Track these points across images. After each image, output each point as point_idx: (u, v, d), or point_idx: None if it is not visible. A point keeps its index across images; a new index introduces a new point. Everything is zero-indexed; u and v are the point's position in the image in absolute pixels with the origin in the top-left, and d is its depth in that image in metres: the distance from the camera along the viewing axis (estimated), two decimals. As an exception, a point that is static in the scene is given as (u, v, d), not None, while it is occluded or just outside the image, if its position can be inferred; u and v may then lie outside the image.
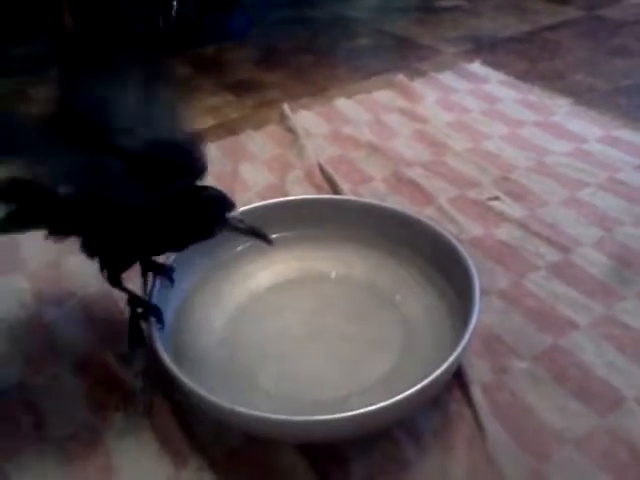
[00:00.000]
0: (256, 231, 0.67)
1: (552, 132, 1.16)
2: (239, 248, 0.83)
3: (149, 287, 0.72)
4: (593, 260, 0.85)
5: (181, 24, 1.70)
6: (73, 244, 0.91)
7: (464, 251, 0.73)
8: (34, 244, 0.93)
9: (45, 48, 1.68)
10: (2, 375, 0.73)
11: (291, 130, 1.21)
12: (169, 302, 0.73)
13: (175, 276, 0.74)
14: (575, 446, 0.61)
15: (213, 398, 0.58)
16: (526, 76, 1.39)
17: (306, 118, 1.26)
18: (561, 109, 1.24)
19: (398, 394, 0.56)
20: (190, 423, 0.66)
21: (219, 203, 0.65)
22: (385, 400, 0.56)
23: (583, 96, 1.29)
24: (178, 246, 0.67)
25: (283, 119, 1.26)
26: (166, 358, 0.62)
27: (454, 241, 0.75)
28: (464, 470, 0.60)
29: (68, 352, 0.75)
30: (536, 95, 1.30)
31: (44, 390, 0.71)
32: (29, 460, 0.64)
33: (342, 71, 1.51)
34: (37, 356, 0.75)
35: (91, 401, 0.69)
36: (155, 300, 0.70)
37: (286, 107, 1.28)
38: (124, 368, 0.71)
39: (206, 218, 0.64)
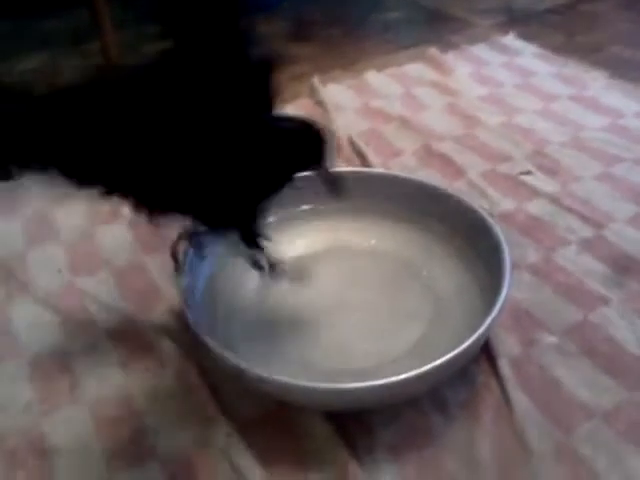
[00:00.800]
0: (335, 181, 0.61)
1: (587, 106, 1.14)
2: (271, 219, 0.83)
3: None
4: (626, 236, 0.83)
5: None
6: (109, 215, 0.94)
7: (495, 225, 0.72)
8: (68, 214, 0.95)
9: (77, 21, 1.70)
10: (40, 340, 0.75)
11: (321, 103, 1.20)
12: (202, 268, 0.74)
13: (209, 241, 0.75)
14: (602, 419, 0.61)
15: (244, 364, 0.59)
16: (561, 49, 1.36)
17: (336, 91, 1.25)
18: (597, 83, 1.21)
19: (426, 364, 0.57)
20: (219, 388, 0.67)
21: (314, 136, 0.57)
22: (413, 370, 0.56)
23: (620, 69, 1.25)
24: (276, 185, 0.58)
25: (313, 92, 1.25)
26: (197, 324, 0.63)
27: (485, 215, 0.74)
28: (490, 441, 0.60)
29: (102, 319, 0.77)
30: (571, 68, 1.27)
31: (79, 355, 0.73)
32: (64, 417, 0.66)
33: (373, 44, 1.50)
34: (72, 323, 0.77)
35: (124, 366, 0.71)
36: (189, 266, 0.70)
37: (316, 80, 1.28)
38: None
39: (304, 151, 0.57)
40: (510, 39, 1.42)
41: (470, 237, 0.76)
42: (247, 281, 0.76)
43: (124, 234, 0.91)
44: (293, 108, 1.20)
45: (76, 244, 0.90)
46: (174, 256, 0.68)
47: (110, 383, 0.69)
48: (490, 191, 0.93)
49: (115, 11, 1.28)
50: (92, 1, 1.18)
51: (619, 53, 1.35)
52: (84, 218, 0.94)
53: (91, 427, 0.65)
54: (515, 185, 0.95)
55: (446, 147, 1.04)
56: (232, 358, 0.59)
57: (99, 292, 0.81)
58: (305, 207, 0.82)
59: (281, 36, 1.59)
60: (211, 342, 0.61)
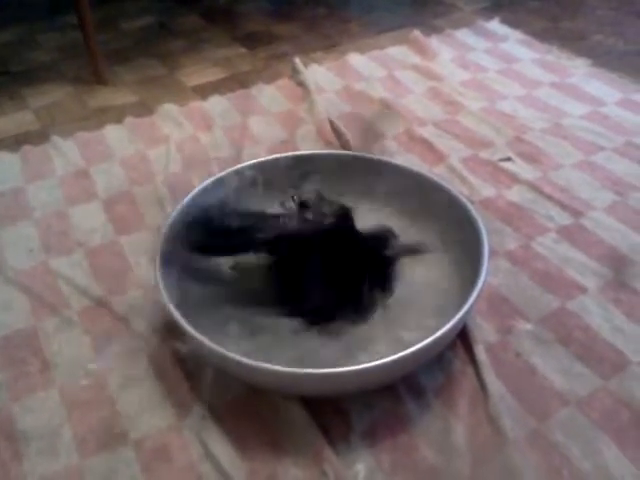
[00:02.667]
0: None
1: (569, 94, 1.14)
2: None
3: None
4: (605, 225, 0.84)
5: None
6: (83, 195, 0.92)
7: (474, 211, 0.72)
8: (41, 193, 0.93)
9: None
10: (10, 320, 0.73)
11: (302, 85, 1.19)
12: (178, 258, 0.73)
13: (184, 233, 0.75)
14: (577, 407, 0.62)
15: (217, 347, 0.58)
16: (545, 35, 1.35)
17: (318, 73, 1.23)
18: (579, 70, 1.21)
19: (402, 350, 0.56)
20: (194, 372, 0.66)
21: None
22: (389, 356, 0.56)
23: (603, 57, 1.26)
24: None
25: (295, 73, 1.24)
26: (171, 306, 0.62)
27: (465, 201, 0.74)
28: (465, 427, 0.60)
29: (74, 300, 0.76)
30: (554, 55, 1.27)
31: (51, 336, 0.71)
32: (35, 402, 0.65)
33: (356, 25, 1.48)
34: (44, 303, 0.75)
35: (96, 349, 0.70)
36: (162, 257, 0.69)
37: (298, 61, 1.26)
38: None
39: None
40: (494, 24, 1.41)
41: (449, 223, 0.75)
42: (222, 263, 0.75)
43: (98, 214, 0.89)
44: (274, 89, 1.19)
45: (49, 223, 0.88)
46: None
47: (82, 366, 0.68)
48: (470, 177, 0.92)
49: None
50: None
51: (602, 41, 1.34)
52: (58, 197, 0.92)
53: (62, 411, 0.63)
54: (495, 171, 0.94)
55: (428, 132, 1.04)
56: (205, 341, 0.59)
57: (72, 273, 0.79)
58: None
59: (263, 15, 1.57)
60: (185, 324, 0.60)
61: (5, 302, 0.76)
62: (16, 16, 1.59)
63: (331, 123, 1.06)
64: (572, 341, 0.68)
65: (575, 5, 1.53)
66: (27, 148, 1.03)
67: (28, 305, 0.75)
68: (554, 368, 0.65)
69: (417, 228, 0.78)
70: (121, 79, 1.27)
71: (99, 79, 1.25)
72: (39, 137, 1.08)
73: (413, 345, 0.57)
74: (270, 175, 0.82)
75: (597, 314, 0.71)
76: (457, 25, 1.41)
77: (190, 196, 0.76)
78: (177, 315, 0.61)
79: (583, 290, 0.74)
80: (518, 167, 0.95)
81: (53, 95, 1.22)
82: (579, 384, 0.64)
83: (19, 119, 1.15)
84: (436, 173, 0.92)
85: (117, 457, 0.59)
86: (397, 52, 1.31)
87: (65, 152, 1.02)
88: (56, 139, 1.05)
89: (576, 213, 0.86)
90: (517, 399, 0.62)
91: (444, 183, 0.78)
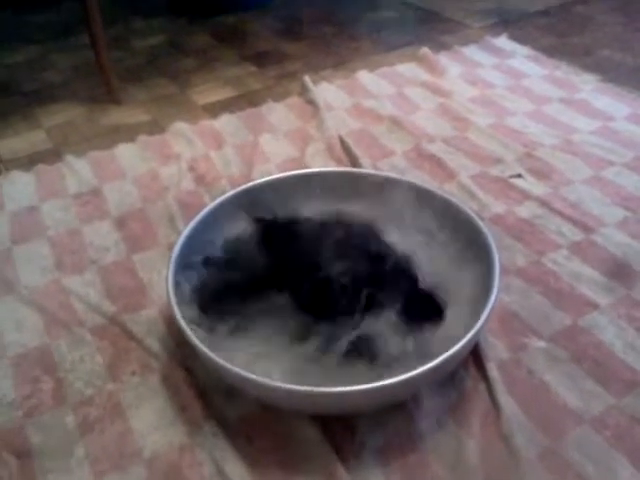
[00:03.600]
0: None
1: (578, 109, 1.14)
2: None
3: None
4: (616, 240, 0.83)
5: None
6: (96, 213, 0.93)
7: (485, 228, 0.72)
8: (54, 211, 0.94)
9: (66, 15, 1.69)
10: (24, 338, 0.74)
11: (312, 102, 1.20)
12: (190, 276, 0.74)
13: (196, 251, 0.75)
14: (590, 425, 0.61)
15: (229, 365, 0.58)
16: (553, 51, 1.36)
17: (327, 91, 1.24)
18: (588, 86, 1.21)
19: (415, 369, 0.56)
20: (206, 389, 0.66)
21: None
22: (401, 374, 0.56)
23: (611, 73, 1.26)
24: None
25: (304, 91, 1.25)
26: (183, 324, 0.62)
27: (475, 218, 0.74)
28: (477, 446, 0.60)
29: (87, 318, 0.76)
30: (563, 71, 1.27)
31: (64, 354, 0.72)
32: (48, 420, 0.65)
33: (365, 43, 1.49)
34: (57, 321, 0.76)
35: (109, 366, 0.70)
36: (175, 275, 0.69)
37: (307, 79, 1.27)
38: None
39: None
40: (502, 41, 1.42)
41: (460, 240, 0.75)
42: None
43: (111, 232, 0.90)
44: (284, 107, 1.20)
45: (63, 242, 0.88)
46: None
47: (95, 384, 0.68)
48: (480, 194, 0.93)
49: (104, 5, 1.26)
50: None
51: (610, 56, 1.35)
52: (71, 216, 0.93)
53: (75, 429, 0.64)
54: (505, 188, 0.94)
55: (437, 148, 1.04)
56: (218, 359, 0.59)
57: (85, 291, 0.80)
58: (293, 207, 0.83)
59: (272, 33, 1.59)
60: (197, 343, 0.60)
61: (19, 320, 0.76)
62: (29, 36, 1.61)
63: (341, 140, 1.07)
64: (585, 358, 0.68)
65: (583, 21, 1.54)
66: (41, 167, 1.04)
67: (41, 323, 0.76)
68: (567, 386, 0.65)
69: (428, 246, 0.78)
70: (133, 98, 1.29)
71: (111, 98, 1.27)
72: (52, 156, 1.09)
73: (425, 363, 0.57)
74: (281, 192, 0.83)
75: (610, 331, 0.71)
76: (465, 42, 1.42)
77: (202, 214, 0.77)
78: (189, 333, 0.62)
79: (595, 306, 0.74)
80: (528, 183, 0.95)
81: (66, 114, 1.24)
82: (592, 402, 0.63)
83: (33, 138, 1.16)
84: (446, 190, 0.92)
85: (130, 476, 0.59)
86: (406, 69, 1.32)
87: (78, 171, 1.03)
88: (69, 158, 1.06)
89: (587, 229, 0.86)
90: (530, 417, 0.62)
91: (454, 200, 0.78)
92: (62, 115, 1.24)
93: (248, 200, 0.81)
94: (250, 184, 0.83)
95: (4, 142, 1.15)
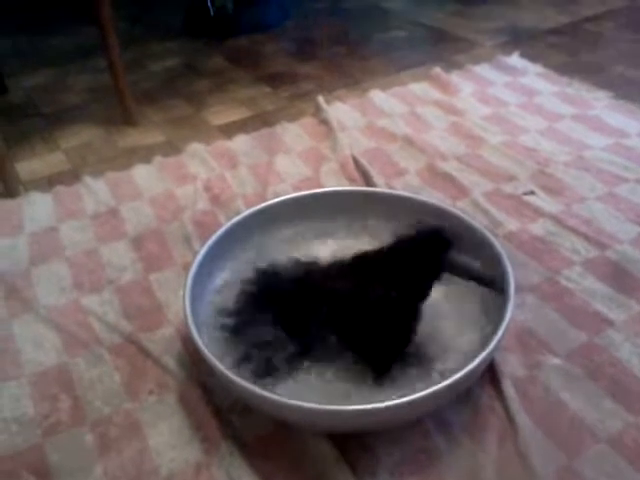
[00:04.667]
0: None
1: (591, 126, 1.14)
2: (267, 245, 0.84)
3: None
4: (630, 257, 0.83)
5: (219, 15, 1.72)
6: (113, 233, 0.94)
7: (499, 246, 0.72)
8: (73, 232, 0.96)
9: (84, 38, 1.72)
10: (42, 357, 0.75)
11: (326, 122, 1.21)
12: (206, 295, 0.75)
13: (212, 270, 0.77)
14: (608, 443, 0.61)
15: (245, 383, 0.59)
16: (565, 69, 1.37)
17: (341, 110, 1.26)
18: (600, 103, 1.22)
19: (429, 387, 0.57)
20: (222, 408, 0.67)
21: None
22: (416, 393, 0.56)
23: (623, 89, 1.26)
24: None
25: (318, 111, 1.26)
26: (201, 343, 0.63)
27: (489, 235, 0.74)
28: (494, 463, 0.60)
29: (105, 337, 0.77)
30: (575, 88, 1.28)
31: (82, 373, 0.73)
32: (66, 438, 0.66)
33: (377, 63, 1.51)
34: (75, 340, 0.77)
35: (127, 385, 0.71)
36: (192, 294, 0.70)
37: (321, 99, 1.28)
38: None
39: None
40: (514, 59, 1.43)
41: (474, 258, 0.76)
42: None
43: (128, 252, 0.91)
44: (298, 127, 1.21)
45: (81, 262, 0.90)
46: None
47: (112, 403, 0.69)
48: (493, 211, 0.93)
49: (121, 28, 1.29)
50: (99, 18, 1.19)
51: (623, 73, 1.35)
52: (89, 236, 0.95)
53: (93, 448, 0.64)
54: (519, 205, 0.95)
55: (450, 167, 1.05)
56: (234, 377, 0.59)
57: (102, 310, 0.81)
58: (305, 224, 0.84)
59: (286, 55, 1.61)
60: (214, 361, 0.61)
61: (37, 339, 0.78)
62: (47, 59, 1.65)
63: (354, 160, 1.08)
64: (601, 376, 0.68)
65: (594, 38, 1.55)
66: (59, 188, 1.06)
67: (60, 342, 0.77)
68: (584, 404, 0.65)
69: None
70: (149, 119, 1.31)
71: (128, 120, 1.29)
72: (71, 177, 1.11)
73: (440, 382, 0.57)
74: (296, 212, 0.84)
75: (625, 348, 0.71)
76: (477, 60, 1.43)
77: (217, 234, 0.78)
78: (205, 352, 0.62)
79: (610, 323, 0.74)
80: (542, 200, 0.95)
81: (84, 136, 1.26)
82: (610, 420, 0.63)
83: (51, 160, 1.18)
84: (459, 207, 0.93)
85: (148, 494, 0.60)
86: (418, 88, 1.33)
87: (96, 192, 1.04)
88: (87, 179, 1.08)
89: (601, 246, 0.85)
90: (547, 435, 0.62)
91: (467, 217, 0.78)
92: (80, 137, 1.26)
93: (264, 219, 0.83)
94: (265, 204, 0.84)
95: (23, 164, 1.17)
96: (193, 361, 0.72)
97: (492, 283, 0.71)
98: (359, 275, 0.72)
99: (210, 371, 0.63)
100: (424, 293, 0.70)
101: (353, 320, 0.67)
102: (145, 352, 0.74)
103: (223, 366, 0.61)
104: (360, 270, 0.73)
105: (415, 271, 0.71)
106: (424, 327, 0.70)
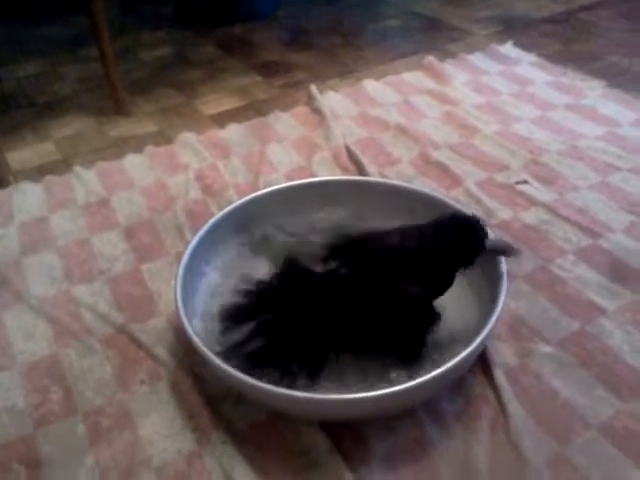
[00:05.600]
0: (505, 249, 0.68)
1: (584, 115, 1.14)
2: (259, 234, 0.83)
3: None
4: (623, 246, 0.83)
5: (210, 3, 1.70)
6: (104, 223, 0.94)
7: (491, 234, 0.72)
8: (64, 222, 0.95)
9: (75, 28, 1.71)
10: (34, 348, 0.75)
11: (318, 111, 1.20)
12: (198, 284, 0.75)
13: (204, 260, 0.76)
14: (598, 430, 0.61)
15: (237, 373, 0.58)
16: (559, 58, 1.36)
17: (334, 99, 1.25)
18: (594, 92, 1.21)
19: (422, 375, 0.57)
20: (214, 397, 0.67)
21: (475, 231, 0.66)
22: (408, 381, 0.56)
23: (617, 79, 1.26)
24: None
25: (311, 100, 1.25)
26: (192, 333, 0.63)
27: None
28: (486, 451, 0.60)
29: (96, 328, 0.77)
30: (569, 77, 1.28)
31: (73, 363, 0.72)
32: (57, 429, 0.65)
33: (371, 52, 1.50)
34: (67, 331, 0.76)
35: (118, 376, 0.71)
36: (183, 284, 0.69)
37: (314, 88, 1.28)
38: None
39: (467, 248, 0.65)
40: (508, 48, 1.42)
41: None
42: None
43: (120, 242, 0.90)
44: (290, 116, 1.20)
45: (72, 252, 0.89)
46: None
47: (104, 393, 0.69)
48: (487, 200, 0.93)
49: (112, 18, 1.28)
50: (90, 8, 1.18)
51: (616, 62, 1.35)
52: (80, 226, 0.94)
53: (84, 438, 0.64)
54: (512, 194, 0.94)
55: (443, 156, 1.04)
56: (226, 366, 0.59)
57: (94, 300, 0.80)
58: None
59: (279, 43, 1.60)
60: (204, 350, 0.61)
61: (28, 330, 0.77)
62: (38, 49, 1.63)
63: (347, 149, 1.08)
64: (592, 364, 0.68)
65: (588, 27, 1.54)
66: (50, 178, 1.06)
67: (51, 333, 0.76)
68: (575, 391, 0.65)
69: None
70: (141, 109, 1.30)
71: (119, 109, 1.28)
72: (62, 167, 1.10)
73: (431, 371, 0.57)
74: (288, 201, 0.83)
75: (617, 336, 0.71)
76: (471, 49, 1.43)
77: (209, 224, 0.78)
78: (197, 342, 0.62)
79: (602, 311, 0.74)
80: (535, 189, 0.95)
81: (75, 126, 1.25)
82: (601, 407, 0.63)
83: (42, 150, 1.17)
84: (453, 197, 0.92)
85: (139, 484, 0.60)
86: (412, 77, 1.32)
87: (87, 182, 1.04)
88: (78, 169, 1.07)
89: (593, 234, 0.85)
90: (538, 422, 0.62)
91: (459, 206, 0.78)
92: (71, 127, 1.25)
93: (256, 208, 0.82)
94: (257, 193, 0.84)
95: (14, 153, 1.16)
96: (185, 351, 0.71)
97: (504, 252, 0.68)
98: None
99: (202, 361, 0.63)
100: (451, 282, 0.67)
101: (384, 315, 0.64)
102: (137, 342, 0.74)
103: (214, 356, 0.60)
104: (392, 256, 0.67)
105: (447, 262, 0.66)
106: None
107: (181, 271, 0.71)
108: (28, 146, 1.19)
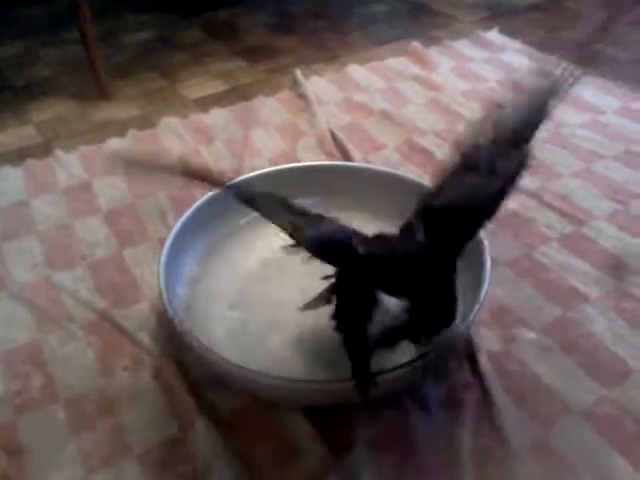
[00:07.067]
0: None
1: (568, 103, 1.14)
2: (242, 221, 0.82)
3: None
4: (606, 233, 0.84)
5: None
6: (86, 208, 0.92)
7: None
8: (44, 206, 0.94)
9: (56, 10, 1.68)
10: (14, 334, 0.74)
11: (303, 96, 1.20)
12: (181, 270, 0.74)
13: (186, 246, 0.75)
14: (581, 416, 0.62)
15: (220, 357, 0.58)
16: (544, 45, 1.36)
17: (318, 85, 1.24)
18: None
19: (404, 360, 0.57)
20: (198, 384, 0.66)
21: None
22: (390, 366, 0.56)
23: (601, 67, 1.26)
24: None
25: (295, 85, 1.24)
26: (175, 318, 0.62)
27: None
28: (469, 437, 0.60)
29: (78, 314, 0.76)
30: (553, 65, 1.28)
31: (55, 350, 0.71)
32: (39, 416, 0.65)
33: (356, 37, 1.49)
34: (48, 317, 0.76)
35: (100, 362, 0.70)
36: (166, 269, 0.69)
37: (298, 73, 1.27)
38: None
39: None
40: (493, 35, 1.42)
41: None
42: (225, 283, 0.76)
43: (102, 227, 0.89)
44: (275, 101, 1.19)
45: (53, 237, 0.88)
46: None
47: (86, 380, 0.68)
48: (471, 187, 0.93)
49: (94, 0, 1.25)
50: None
51: (600, 50, 1.35)
52: (61, 211, 0.93)
53: (66, 425, 0.63)
54: (496, 181, 0.94)
55: (428, 142, 1.04)
56: (209, 352, 0.59)
57: (75, 286, 0.79)
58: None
59: (264, 28, 1.58)
60: (189, 335, 0.60)
61: (9, 316, 0.76)
62: (18, 31, 1.60)
63: (332, 134, 1.07)
64: (575, 350, 0.68)
65: (572, 16, 1.54)
66: (30, 162, 1.04)
67: (32, 319, 0.75)
68: (557, 377, 0.66)
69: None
70: (123, 93, 1.28)
71: (101, 93, 1.26)
72: (42, 151, 1.08)
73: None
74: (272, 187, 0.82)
75: (600, 322, 0.71)
76: (456, 36, 1.42)
77: (192, 209, 0.77)
78: (181, 327, 0.62)
79: (585, 298, 0.75)
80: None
81: (56, 109, 1.23)
82: (583, 393, 0.64)
83: (22, 133, 1.15)
84: (437, 183, 0.92)
85: (122, 471, 0.59)
86: (397, 63, 1.31)
87: (68, 166, 1.02)
88: (59, 153, 1.05)
89: (577, 222, 0.86)
90: (521, 408, 0.62)
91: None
92: (52, 110, 1.23)
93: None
94: (240, 178, 0.83)
95: (-7, 137, 1.14)
96: (168, 337, 0.71)
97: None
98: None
99: (185, 347, 0.63)
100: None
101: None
102: (119, 328, 0.73)
103: (200, 343, 0.60)
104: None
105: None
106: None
107: (164, 256, 0.70)
108: (8, 129, 1.17)
